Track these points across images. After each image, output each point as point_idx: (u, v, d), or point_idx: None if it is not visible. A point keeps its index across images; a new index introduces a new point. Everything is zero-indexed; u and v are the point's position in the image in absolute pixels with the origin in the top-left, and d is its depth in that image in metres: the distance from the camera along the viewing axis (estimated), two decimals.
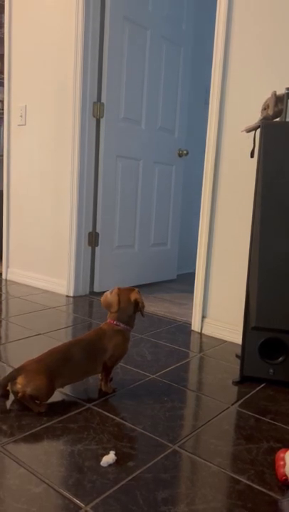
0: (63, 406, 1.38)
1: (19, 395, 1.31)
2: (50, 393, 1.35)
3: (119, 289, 1.50)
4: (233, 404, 1.46)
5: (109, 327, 1.47)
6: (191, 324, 2.32)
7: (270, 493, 1.03)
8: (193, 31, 3.39)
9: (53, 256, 2.90)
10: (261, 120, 1.60)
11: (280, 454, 1.09)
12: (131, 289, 1.50)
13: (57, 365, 1.36)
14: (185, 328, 2.27)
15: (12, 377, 1.33)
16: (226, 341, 2.10)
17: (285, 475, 1.05)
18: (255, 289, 1.54)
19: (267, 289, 1.52)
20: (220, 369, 1.76)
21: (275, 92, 1.60)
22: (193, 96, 3.64)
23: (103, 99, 2.70)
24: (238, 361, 1.83)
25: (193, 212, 3.84)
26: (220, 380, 1.66)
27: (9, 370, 1.61)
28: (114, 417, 1.33)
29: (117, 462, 1.11)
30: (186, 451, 1.18)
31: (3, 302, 2.55)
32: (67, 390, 1.49)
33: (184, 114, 3.33)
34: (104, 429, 1.25)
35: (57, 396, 1.43)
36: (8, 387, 1.34)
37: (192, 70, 3.52)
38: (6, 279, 3.18)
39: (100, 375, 1.57)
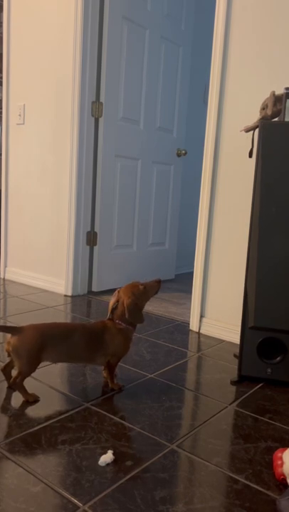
0: (61, 405, 1.38)
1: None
2: (33, 362, 1.36)
3: (119, 292, 1.50)
4: (231, 404, 1.47)
5: (112, 324, 1.47)
6: (189, 324, 2.32)
7: (268, 492, 1.03)
8: (193, 31, 3.39)
9: (52, 255, 2.90)
10: (260, 120, 1.60)
11: (277, 453, 1.10)
12: (129, 290, 1.48)
13: (53, 338, 1.38)
14: (183, 328, 2.27)
15: (10, 331, 1.36)
16: (224, 341, 2.11)
17: (283, 474, 1.05)
18: (254, 289, 1.54)
19: (265, 288, 1.53)
20: (218, 368, 1.76)
21: (273, 92, 1.60)
22: (192, 96, 3.64)
23: (102, 99, 2.69)
24: (236, 361, 1.83)
25: (192, 212, 3.84)
26: (218, 379, 1.66)
27: None
28: (112, 417, 1.33)
29: (115, 461, 1.11)
30: (184, 450, 1.18)
31: (1, 301, 2.55)
32: (65, 389, 1.49)
33: (183, 113, 3.33)
34: (102, 429, 1.26)
35: (55, 395, 1.44)
36: (7, 348, 1.37)
37: (191, 70, 3.52)
38: (4, 279, 3.18)
39: (104, 373, 1.57)
